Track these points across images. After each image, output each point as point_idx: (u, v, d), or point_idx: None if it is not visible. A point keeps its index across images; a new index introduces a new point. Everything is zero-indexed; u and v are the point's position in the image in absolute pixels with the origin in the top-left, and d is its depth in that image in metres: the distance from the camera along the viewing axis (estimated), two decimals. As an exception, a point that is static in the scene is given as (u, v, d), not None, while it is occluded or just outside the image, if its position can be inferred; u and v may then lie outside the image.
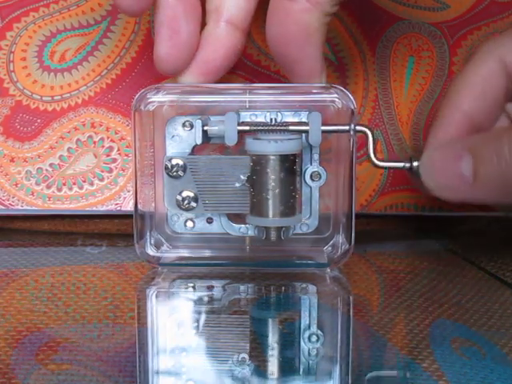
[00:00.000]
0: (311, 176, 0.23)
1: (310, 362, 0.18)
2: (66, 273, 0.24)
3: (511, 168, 0.19)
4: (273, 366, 0.17)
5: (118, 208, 0.27)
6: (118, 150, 0.27)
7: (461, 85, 0.23)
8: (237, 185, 0.22)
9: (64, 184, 0.27)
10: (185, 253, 0.24)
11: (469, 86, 0.22)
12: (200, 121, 0.22)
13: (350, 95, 0.22)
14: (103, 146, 0.27)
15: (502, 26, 0.27)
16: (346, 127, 0.22)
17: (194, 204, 0.23)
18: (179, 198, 0.23)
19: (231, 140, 0.22)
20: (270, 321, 0.20)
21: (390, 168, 0.23)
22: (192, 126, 0.23)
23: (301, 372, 0.17)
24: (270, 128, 0.22)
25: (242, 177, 0.22)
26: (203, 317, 0.20)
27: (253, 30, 0.26)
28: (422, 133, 0.28)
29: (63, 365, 0.17)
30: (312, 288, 0.23)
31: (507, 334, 0.19)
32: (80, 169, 0.27)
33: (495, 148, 0.20)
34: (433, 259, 0.26)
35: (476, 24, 0.27)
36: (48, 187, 0.27)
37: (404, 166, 0.22)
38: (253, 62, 0.27)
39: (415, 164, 0.22)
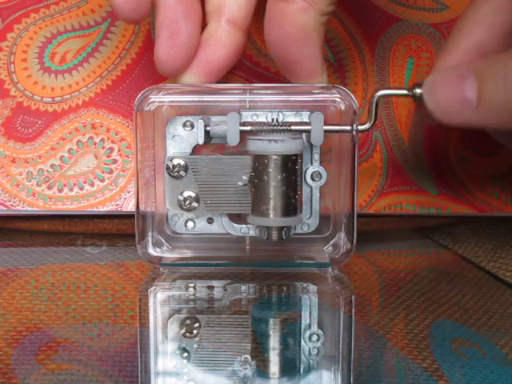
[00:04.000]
0: (312, 176, 0.23)
1: (311, 361, 0.18)
2: (66, 272, 0.24)
3: None
4: (274, 365, 0.17)
5: (119, 209, 0.27)
6: (119, 150, 0.27)
7: (471, 14, 0.22)
8: (240, 184, 0.22)
9: (65, 185, 0.27)
10: (186, 253, 0.24)
11: (479, 15, 0.22)
12: (202, 121, 0.22)
13: (351, 95, 0.22)
14: (104, 147, 0.27)
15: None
16: (348, 127, 0.22)
17: (195, 204, 0.23)
18: (180, 198, 0.23)
19: (233, 140, 0.22)
20: (271, 320, 0.20)
21: (391, 95, 0.22)
22: (193, 126, 0.23)
23: (302, 371, 0.17)
24: (273, 128, 0.22)
25: (244, 177, 0.22)
26: (204, 317, 0.20)
27: (252, 30, 0.26)
28: (420, 133, 0.28)
29: (63, 364, 0.17)
30: (313, 288, 0.23)
31: (507, 334, 0.19)
32: (81, 170, 0.27)
33: (501, 71, 0.19)
34: (433, 259, 0.26)
35: (475, 25, 0.27)
36: (49, 188, 0.27)
37: (407, 93, 0.21)
38: (252, 63, 0.27)
39: (418, 91, 0.21)
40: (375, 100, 0.22)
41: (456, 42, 0.22)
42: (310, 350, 0.18)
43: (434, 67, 0.22)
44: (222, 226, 0.23)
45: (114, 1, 0.21)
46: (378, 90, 0.22)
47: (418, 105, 0.22)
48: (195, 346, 0.18)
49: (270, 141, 0.21)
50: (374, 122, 0.22)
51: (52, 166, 0.27)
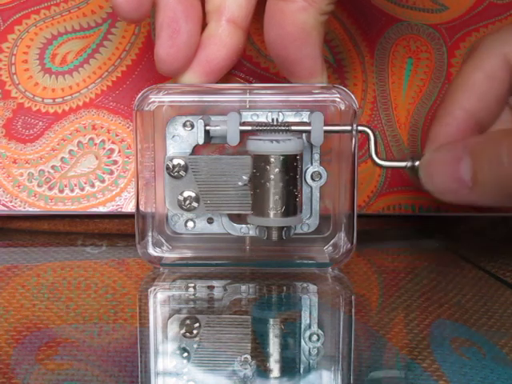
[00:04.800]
0: (312, 176, 0.23)
1: (311, 361, 0.18)
2: (66, 271, 0.24)
3: (510, 172, 0.19)
4: (274, 365, 0.17)
5: (119, 209, 0.27)
6: (119, 151, 0.27)
7: (463, 82, 0.22)
8: (240, 184, 0.22)
9: (65, 186, 0.27)
10: (186, 253, 0.24)
11: (471, 83, 0.22)
12: (202, 121, 0.22)
13: (352, 95, 0.22)
14: (104, 148, 0.27)
15: (500, 28, 0.27)
16: (348, 127, 0.22)
17: (195, 204, 0.23)
18: (180, 198, 0.23)
19: (233, 140, 0.22)
20: (271, 321, 0.20)
21: (391, 167, 0.23)
22: (193, 126, 0.23)
23: (302, 371, 0.17)
24: (273, 128, 0.22)
25: (244, 177, 0.22)
26: (204, 317, 0.20)
27: (252, 31, 0.26)
28: (420, 134, 0.28)
29: (63, 364, 0.17)
30: (313, 288, 0.23)
31: (507, 334, 0.19)
32: (81, 171, 0.27)
33: (494, 153, 0.20)
34: (433, 259, 0.26)
35: (474, 26, 0.28)
36: (50, 189, 0.27)
37: (406, 166, 0.22)
38: (252, 64, 0.27)
39: (416, 164, 0.22)
40: (375, 163, 0.22)
41: (449, 111, 0.22)
42: (309, 350, 0.18)
43: (429, 139, 0.23)
44: (222, 226, 0.23)
45: (115, 1, 0.21)
46: (378, 164, 0.22)
47: (414, 177, 0.22)
48: (195, 345, 0.18)
49: (270, 141, 0.21)
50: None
51: (53, 167, 0.27)
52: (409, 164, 0.22)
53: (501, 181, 0.20)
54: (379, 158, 0.22)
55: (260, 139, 0.22)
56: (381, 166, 0.22)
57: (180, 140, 0.23)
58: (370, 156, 0.22)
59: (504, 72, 0.22)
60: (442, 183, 0.21)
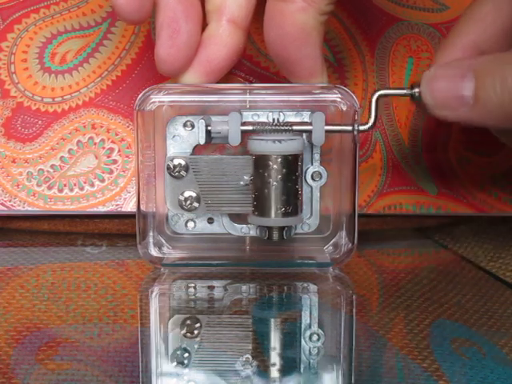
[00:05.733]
0: (312, 176, 0.23)
1: (312, 361, 0.18)
2: (66, 272, 0.24)
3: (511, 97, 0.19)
4: (275, 365, 0.17)
5: (119, 209, 0.27)
6: (119, 151, 0.27)
7: (471, 12, 0.22)
8: (241, 184, 0.22)
9: (65, 185, 0.27)
10: (186, 253, 0.24)
11: (479, 13, 0.22)
12: (203, 121, 0.22)
13: (353, 95, 0.22)
14: (104, 148, 0.27)
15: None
16: (349, 127, 0.22)
17: (196, 204, 0.23)
18: (181, 198, 0.23)
19: (234, 140, 0.22)
20: (272, 320, 0.20)
21: (390, 95, 0.22)
22: (193, 126, 0.23)
23: (302, 371, 0.17)
24: (274, 128, 0.22)
25: (245, 177, 0.22)
26: (204, 317, 0.20)
27: (252, 31, 0.26)
28: (420, 134, 0.28)
29: (63, 364, 0.17)
30: (313, 287, 0.23)
31: (507, 334, 0.19)
32: (81, 170, 0.27)
33: (499, 72, 0.19)
34: (433, 259, 0.26)
35: (475, 25, 0.28)
36: (49, 188, 0.27)
37: (406, 93, 0.21)
38: (252, 64, 0.27)
39: (416, 89, 0.21)
40: (374, 100, 0.22)
41: (455, 40, 0.22)
42: (310, 350, 0.18)
43: (434, 62, 0.23)
44: (223, 226, 0.23)
45: (115, 2, 0.21)
46: (377, 90, 0.22)
47: (415, 103, 0.22)
48: (196, 346, 0.18)
49: (270, 141, 0.21)
50: (374, 122, 0.22)
51: (52, 166, 0.27)
52: (408, 91, 0.21)
53: (503, 100, 0.19)
54: (377, 90, 0.22)
55: (261, 139, 0.22)
56: (381, 96, 0.22)
57: (180, 140, 0.23)
58: (374, 94, 0.21)
59: (509, 5, 0.21)
60: (443, 98, 0.21)
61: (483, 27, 0.22)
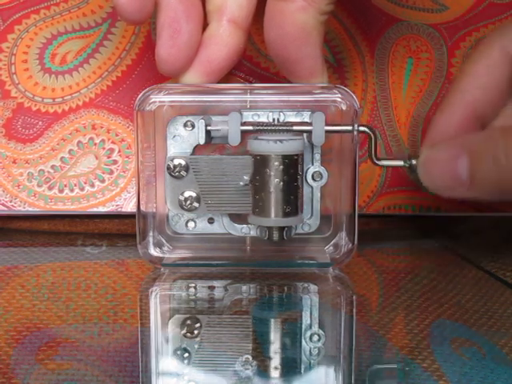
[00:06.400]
0: (313, 176, 0.23)
1: (312, 361, 0.18)
2: (66, 272, 0.24)
3: (507, 170, 0.20)
4: (275, 365, 0.17)
5: (119, 209, 0.27)
6: (119, 151, 0.27)
7: (464, 75, 0.23)
8: (241, 184, 0.22)
9: (65, 185, 0.27)
10: (187, 253, 0.24)
11: (472, 76, 0.22)
12: (203, 121, 0.22)
13: (353, 95, 0.22)
14: (104, 148, 0.27)
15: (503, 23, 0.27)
16: (349, 127, 0.22)
17: (196, 204, 0.23)
18: (181, 198, 0.23)
19: (234, 140, 0.22)
20: (272, 321, 0.20)
21: (389, 166, 0.23)
22: (193, 126, 0.23)
23: (303, 372, 0.17)
24: (274, 128, 0.22)
25: (245, 177, 0.22)
26: (205, 317, 0.20)
27: (252, 31, 0.26)
28: (420, 134, 0.28)
29: (63, 364, 0.17)
30: (313, 288, 0.23)
31: (507, 334, 0.19)
32: (81, 170, 0.27)
33: (492, 151, 0.20)
34: (433, 259, 0.26)
35: (475, 25, 0.28)
36: (49, 189, 0.27)
37: (404, 165, 0.22)
38: (252, 64, 0.27)
39: (414, 162, 0.22)
40: (374, 163, 0.22)
41: (451, 101, 0.23)
42: (310, 350, 0.18)
43: (430, 132, 0.23)
44: (223, 226, 0.23)
45: (117, 2, 0.21)
46: (379, 160, 0.22)
47: (413, 175, 0.22)
48: (196, 346, 0.18)
49: (273, 141, 0.21)
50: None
51: (53, 166, 0.27)
52: (406, 162, 0.22)
53: (499, 179, 0.20)
54: (377, 159, 0.22)
55: (261, 139, 0.22)
56: (378, 165, 0.22)
57: (181, 140, 0.23)
58: (370, 156, 0.22)
59: (504, 66, 0.22)
60: (440, 181, 0.21)
61: (477, 87, 0.22)
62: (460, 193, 0.21)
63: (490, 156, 0.20)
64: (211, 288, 0.22)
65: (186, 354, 0.18)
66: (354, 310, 0.21)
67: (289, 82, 0.23)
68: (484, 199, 0.22)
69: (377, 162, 0.22)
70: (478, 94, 0.22)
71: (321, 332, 0.19)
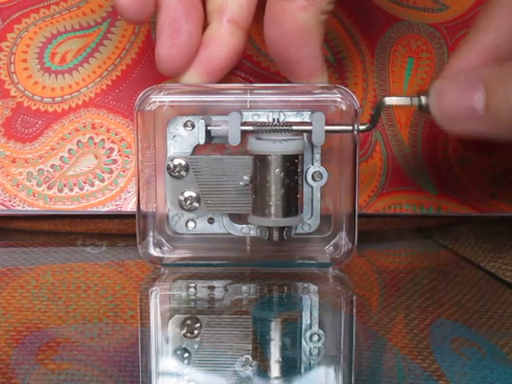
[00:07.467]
0: (313, 176, 0.23)
1: (312, 361, 0.18)
2: (66, 272, 0.24)
3: None
4: (275, 365, 0.17)
5: (119, 209, 0.27)
6: (119, 151, 0.27)
7: (488, 13, 0.22)
8: (241, 184, 0.22)
9: (65, 185, 0.27)
10: (187, 253, 0.24)
11: (496, 15, 0.22)
12: (203, 121, 0.22)
13: (353, 95, 0.22)
14: (104, 147, 0.27)
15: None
16: (349, 127, 0.22)
17: (196, 204, 0.23)
18: (181, 198, 0.23)
19: (234, 140, 0.22)
20: (272, 321, 0.20)
21: (396, 106, 0.22)
22: (193, 126, 0.23)
23: (303, 372, 0.17)
24: (274, 128, 0.22)
25: (245, 177, 0.22)
26: (205, 317, 0.20)
27: (253, 31, 0.26)
28: (420, 134, 0.28)
29: (63, 364, 0.17)
30: (313, 288, 0.23)
31: (507, 334, 0.19)
32: (81, 170, 0.27)
33: (510, 83, 0.19)
34: (433, 259, 0.26)
35: (475, 25, 0.28)
36: (49, 188, 0.27)
37: (412, 103, 0.21)
38: (252, 63, 0.27)
39: (423, 100, 0.21)
40: (380, 105, 0.22)
41: (472, 38, 0.22)
42: (310, 350, 0.18)
43: (447, 66, 0.22)
44: (223, 226, 0.23)
45: (118, 2, 0.21)
46: (386, 96, 0.22)
47: (422, 112, 0.21)
48: (196, 346, 0.18)
49: (271, 141, 0.21)
50: (374, 125, 0.22)
51: (52, 166, 0.27)
52: (415, 101, 0.21)
53: None
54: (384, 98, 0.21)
55: (261, 139, 0.22)
56: (386, 106, 0.21)
57: (181, 140, 0.23)
58: (380, 100, 0.21)
59: None
60: (452, 110, 0.20)
61: (502, 27, 0.21)
62: (472, 125, 0.20)
63: (508, 86, 0.19)
64: (211, 288, 0.22)
65: (186, 354, 0.18)
66: (354, 310, 0.21)
67: (289, 81, 0.23)
68: (495, 135, 0.20)
69: (386, 98, 0.21)
70: (501, 32, 0.21)
71: (321, 332, 0.19)
